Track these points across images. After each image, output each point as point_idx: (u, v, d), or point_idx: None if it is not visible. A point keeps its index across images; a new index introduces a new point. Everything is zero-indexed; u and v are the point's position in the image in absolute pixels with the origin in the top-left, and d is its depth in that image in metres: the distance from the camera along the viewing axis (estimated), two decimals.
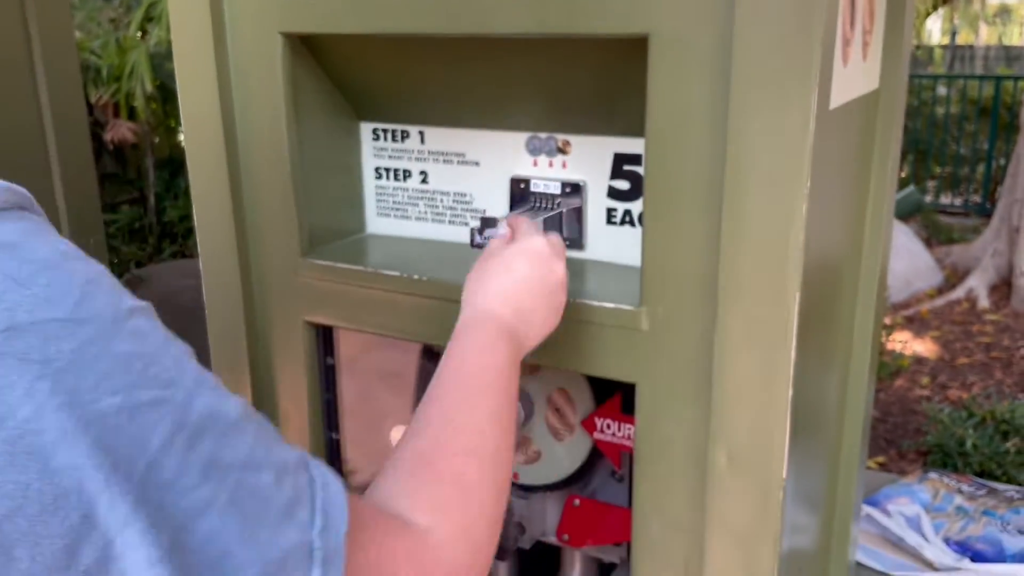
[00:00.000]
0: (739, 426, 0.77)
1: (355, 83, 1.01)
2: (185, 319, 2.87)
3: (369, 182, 1.08)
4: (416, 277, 0.92)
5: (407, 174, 1.05)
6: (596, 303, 0.82)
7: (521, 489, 1.05)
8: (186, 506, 0.40)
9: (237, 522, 0.41)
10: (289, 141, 0.96)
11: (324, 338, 1.05)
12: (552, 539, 1.06)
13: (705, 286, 0.76)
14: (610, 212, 0.94)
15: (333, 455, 1.10)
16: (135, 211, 5.11)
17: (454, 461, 0.60)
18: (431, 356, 1.05)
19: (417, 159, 1.04)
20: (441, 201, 1.04)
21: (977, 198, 6.96)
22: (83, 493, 0.37)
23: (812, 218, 0.72)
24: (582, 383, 0.99)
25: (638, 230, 0.92)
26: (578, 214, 0.95)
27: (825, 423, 1.14)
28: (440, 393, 0.66)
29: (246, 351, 1.05)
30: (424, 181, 1.04)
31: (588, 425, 0.97)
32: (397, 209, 1.07)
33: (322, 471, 0.49)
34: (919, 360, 3.30)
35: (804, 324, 0.76)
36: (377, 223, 1.09)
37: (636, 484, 0.85)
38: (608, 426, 0.96)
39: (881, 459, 2.61)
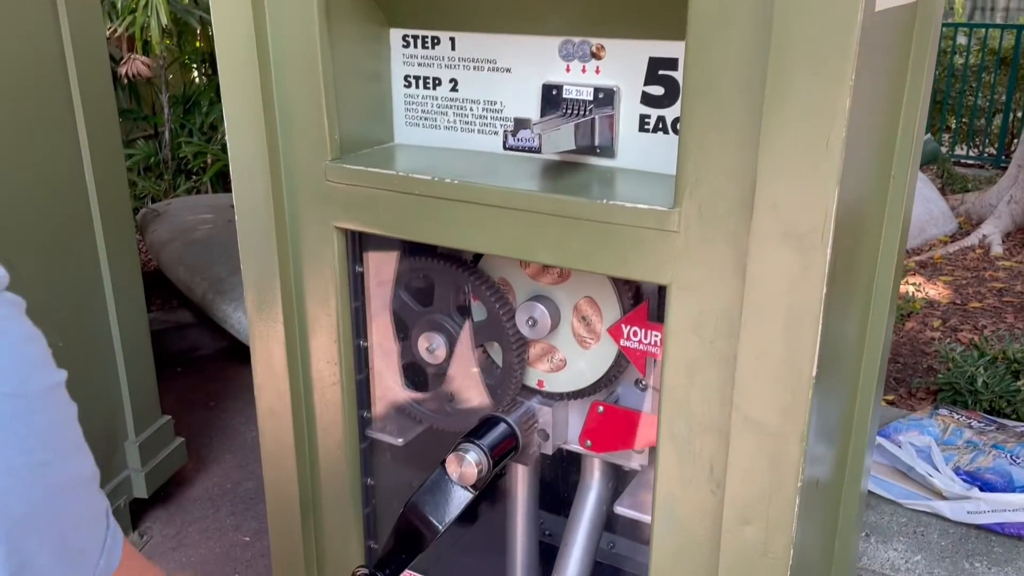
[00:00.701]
0: (771, 324, 0.78)
1: None
2: (199, 252, 2.92)
3: (398, 90, 1.07)
4: (448, 180, 0.92)
5: (437, 82, 1.04)
6: (629, 204, 0.83)
7: (545, 396, 1.06)
8: (32, 547, 0.45)
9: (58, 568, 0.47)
10: (321, 45, 0.95)
11: (353, 245, 1.06)
12: (574, 446, 1.08)
13: (741, 187, 0.76)
14: (643, 119, 0.93)
15: (361, 363, 1.11)
16: (150, 147, 5.08)
17: None
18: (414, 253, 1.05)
19: (447, 66, 1.03)
20: (471, 109, 1.03)
21: (992, 150, 6.89)
22: None
23: (850, 128, 0.72)
24: (609, 292, 1.00)
25: (671, 138, 0.92)
26: (610, 121, 0.94)
27: (844, 357, 1.15)
28: None
29: (276, 258, 1.06)
30: (454, 89, 1.04)
31: (615, 332, 0.98)
32: (426, 118, 1.07)
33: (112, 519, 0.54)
34: (931, 304, 3.30)
35: (838, 251, 0.77)
36: (406, 133, 1.09)
37: (664, 385, 0.86)
38: (635, 333, 0.97)
39: (891, 397, 2.63)
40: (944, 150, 6.71)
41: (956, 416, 2.19)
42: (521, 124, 0.86)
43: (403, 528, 0.97)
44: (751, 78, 0.73)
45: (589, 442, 1.04)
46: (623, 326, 0.97)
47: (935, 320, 3.18)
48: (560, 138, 0.89)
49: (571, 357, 1.04)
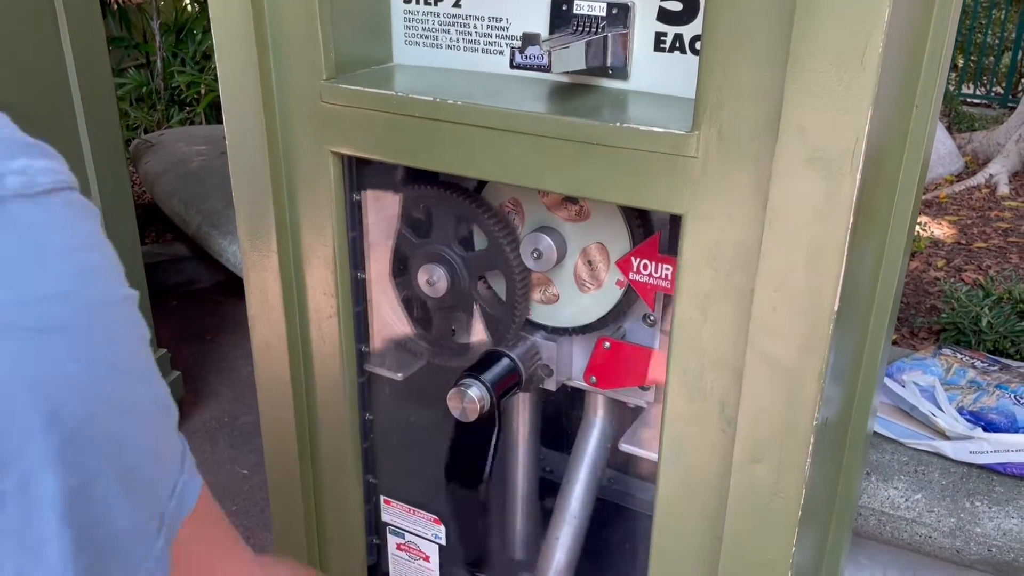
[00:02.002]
0: (792, 255, 0.74)
1: None
2: (193, 184, 2.85)
3: (397, 6, 1.01)
4: (451, 102, 0.86)
5: None
6: (644, 127, 0.78)
7: (550, 331, 1.03)
8: (92, 465, 0.40)
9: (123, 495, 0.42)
10: None
11: (350, 172, 1.01)
12: (579, 382, 1.04)
13: (766, 109, 0.71)
14: (659, 37, 0.87)
15: (359, 295, 1.07)
16: (142, 76, 4.96)
17: None
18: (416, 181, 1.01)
19: None
20: (475, 27, 0.97)
21: (1000, 89, 6.76)
22: (16, 425, 0.37)
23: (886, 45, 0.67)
24: (622, 230, 0.95)
25: (689, 57, 0.86)
26: (623, 40, 0.89)
27: (859, 296, 1.11)
28: None
29: (269, 185, 1.01)
30: (456, 5, 0.97)
31: (624, 265, 0.94)
32: (427, 36, 1.01)
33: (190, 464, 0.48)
34: (935, 243, 3.26)
35: (866, 180, 0.72)
36: (405, 52, 1.03)
37: (675, 320, 0.83)
38: (644, 266, 0.93)
39: (893, 337, 2.61)
40: (952, 89, 6.58)
41: (960, 356, 2.17)
42: (530, 40, 0.80)
43: None
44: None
45: (594, 378, 1.01)
46: (633, 259, 0.93)
47: (939, 260, 3.14)
48: (570, 56, 0.84)
49: (565, 294, 1.00)
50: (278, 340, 1.09)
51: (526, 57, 0.80)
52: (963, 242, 3.35)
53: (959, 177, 4.25)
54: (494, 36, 0.97)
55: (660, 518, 0.91)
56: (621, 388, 1.01)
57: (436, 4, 0.99)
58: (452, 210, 1.00)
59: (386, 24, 1.02)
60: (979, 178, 4.09)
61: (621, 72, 0.90)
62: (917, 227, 3.30)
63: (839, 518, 1.37)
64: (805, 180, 0.71)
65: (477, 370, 0.96)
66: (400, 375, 1.10)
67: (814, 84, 0.68)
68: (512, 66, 0.81)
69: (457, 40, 0.99)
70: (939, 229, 3.45)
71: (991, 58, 6.85)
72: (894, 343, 2.66)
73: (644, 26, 0.88)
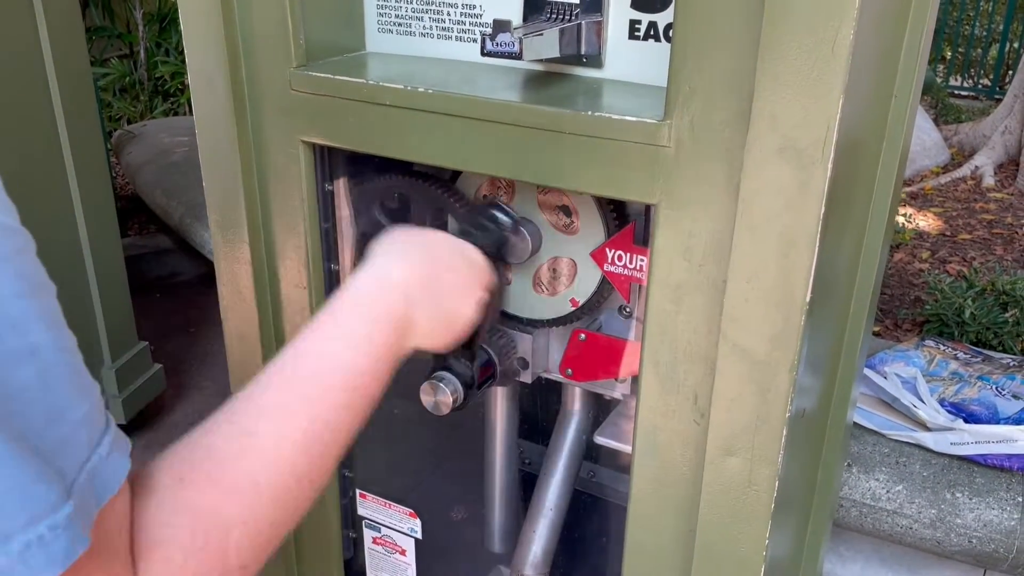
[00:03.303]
0: (763, 246, 0.73)
1: None
2: (175, 175, 2.82)
3: None
4: (421, 90, 0.85)
5: None
6: (616, 116, 0.76)
7: (525, 324, 1.02)
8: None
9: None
10: None
11: (322, 162, 1.00)
12: (555, 375, 1.04)
13: (738, 98, 0.70)
14: (633, 25, 0.86)
15: (332, 287, 1.06)
16: (124, 66, 4.91)
17: (250, 472, 0.53)
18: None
19: None
20: (448, 14, 0.96)
21: (987, 81, 6.77)
22: None
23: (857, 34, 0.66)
24: (596, 219, 0.94)
25: (664, 46, 0.85)
26: (598, 27, 0.87)
27: (836, 285, 1.11)
28: (282, 374, 0.59)
29: (240, 175, 1.00)
30: None
31: (598, 256, 0.93)
32: (399, 24, 0.99)
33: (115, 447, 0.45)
34: (920, 235, 3.26)
35: (839, 170, 0.71)
36: (378, 40, 1.01)
37: (648, 311, 0.82)
38: (619, 258, 0.92)
39: (877, 329, 2.61)
40: (939, 80, 6.59)
41: (942, 348, 2.17)
42: (501, 27, 0.79)
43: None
44: None
45: (570, 371, 1.00)
46: (607, 250, 0.92)
47: (924, 251, 3.14)
48: (543, 44, 0.83)
49: (518, 283, 0.98)
50: (251, 332, 1.08)
51: (497, 44, 0.79)
52: (948, 234, 3.36)
53: (945, 169, 4.26)
54: (468, 23, 0.95)
55: (635, 510, 0.90)
56: (597, 380, 1.00)
57: None
58: (427, 200, 0.99)
59: (358, 11, 1.01)
60: (964, 170, 4.10)
61: (596, 60, 0.89)
62: (902, 219, 3.30)
63: (819, 509, 1.37)
64: (776, 170, 0.70)
65: (448, 362, 0.95)
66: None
67: (785, 73, 0.67)
68: (483, 53, 0.80)
69: (430, 27, 0.98)
70: (924, 221, 3.46)
71: (979, 50, 6.87)
72: (877, 335, 2.66)
73: (618, 13, 0.87)
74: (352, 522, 1.21)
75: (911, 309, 2.71)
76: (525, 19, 0.91)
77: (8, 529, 0.37)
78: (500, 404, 1.17)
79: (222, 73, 0.95)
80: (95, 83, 2.60)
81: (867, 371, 1.92)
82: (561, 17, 0.88)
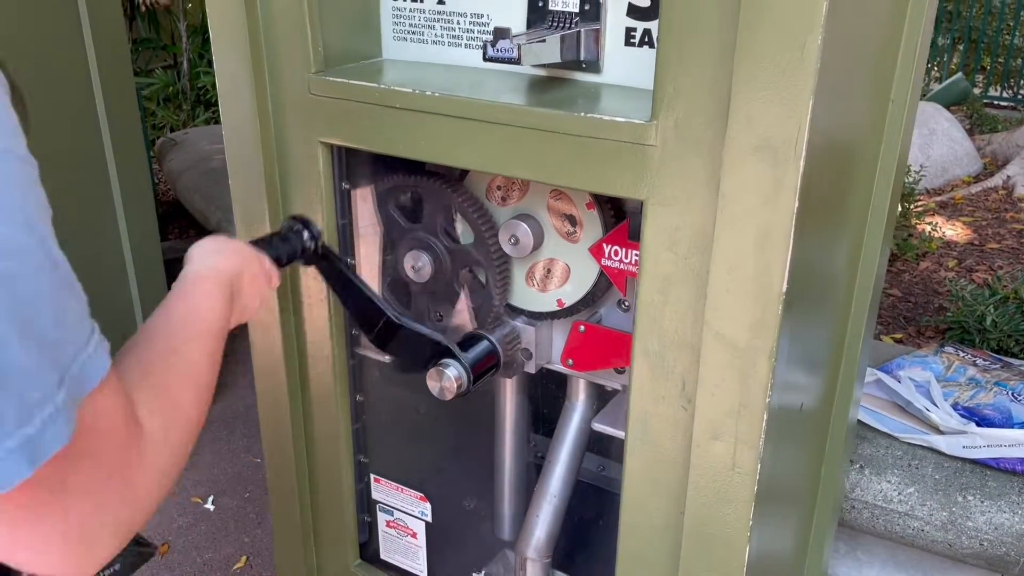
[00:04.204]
0: (742, 239, 0.77)
1: None
2: (214, 181, 2.91)
3: (386, 3, 1.06)
4: (429, 93, 0.91)
5: None
6: (607, 117, 0.82)
7: (528, 316, 1.07)
8: None
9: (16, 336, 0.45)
10: None
11: (340, 161, 1.06)
12: (558, 365, 1.08)
13: (718, 100, 0.75)
14: (629, 32, 0.91)
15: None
16: (168, 77, 5.07)
17: (177, 384, 0.64)
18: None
19: None
20: (458, 23, 1.02)
21: None
22: None
23: (832, 39, 0.70)
24: (598, 227, 0.99)
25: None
26: (596, 35, 0.93)
27: (833, 284, 1.14)
28: (168, 324, 0.71)
29: (263, 173, 1.06)
30: (440, 2, 1.02)
31: (596, 252, 0.98)
32: (413, 32, 1.05)
33: (99, 348, 0.52)
34: (948, 244, 3.25)
35: (815, 169, 0.76)
36: (393, 47, 1.08)
37: (639, 302, 0.86)
38: (616, 252, 0.97)
39: (899, 336, 2.61)
40: (977, 91, 6.52)
41: (962, 354, 2.18)
42: (501, 34, 0.85)
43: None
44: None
45: (571, 361, 1.05)
46: (604, 245, 0.97)
47: (951, 260, 3.13)
48: (543, 50, 0.88)
49: (570, 260, 1.03)
50: (272, 321, 1.15)
51: (498, 51, 0.85)
52: (976, 243, 3.34)
53: (977, 178, 4.23)
54: (476, 31, 1.01)
55: (628, 494, 0.95)
56: (596, 371, 1.05)
57: (422, 1, 1.03)
58: (436, 198, 1.04)
59: (375, 20, 1.07)
60: (996, 179, 4.06)
61: (594, 66, 0.94)
62: (929, 227, 3.29)
63: (823, 507, 1.40)
64: (753, 168, 0.75)
65: (451, 350, 1.00)
66: (388, 357, 1.14)
67: (758, 77, 0.72)
68: (485, 59, 0.86)
69: (442, 35, 1.04)
70: (952, 230, 3.44)
71: (1018, 60, 6.78)
72: (900, 341, 2.66)
73: (615, 21, 0.92)
74: (367, 506, 1.26)
75: (934, 317, 2.71)
76: (528, 27, 0.96)
77: (30, 404, 0.44)
78: (509, 395, 1.22)
79: (247, 77, 1.02)
80: (140, 93, 2.70)
81: (881, 375, 1.94)
82: (561, 25, 0.94)
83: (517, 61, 0.84)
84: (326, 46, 1.00)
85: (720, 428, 0.85)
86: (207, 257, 0.83)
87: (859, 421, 1.91)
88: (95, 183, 2.24)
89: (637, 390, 0.90)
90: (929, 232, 3.25)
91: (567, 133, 0.84)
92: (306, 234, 0.95)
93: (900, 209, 3.21)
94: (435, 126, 0.92)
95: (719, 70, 0.74)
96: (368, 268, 1.14)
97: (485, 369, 1.01)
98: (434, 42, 1.04)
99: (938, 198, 3.88)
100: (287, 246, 0.93)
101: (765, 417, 0.82)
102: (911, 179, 3.19)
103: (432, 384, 0.99)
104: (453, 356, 0.98)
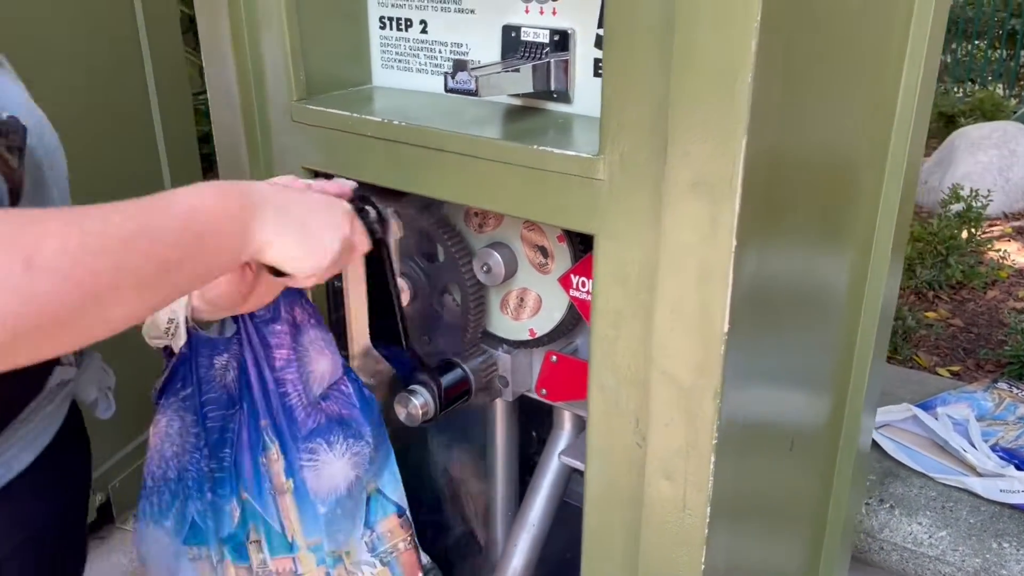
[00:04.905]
0: (684, 276, 0.76)
1: None
2: None
3: (374, 32, 1.08)
4: (396, 122, 0.92)
5: (408, 23, 1.04)
6: (557, 151, 0.81)
7: (506, 344, 1.06)
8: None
9: None
10: None
11: None
12: (534, 394, 1.08)
13: (660, 136, 0.74)
14: (597, 63, 0.91)
15: (335, 303, 1.14)
16: None
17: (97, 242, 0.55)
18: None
19: (417, 7, 1.03)
20: (439, 51, 1.03)
21: None
22: None
23: (770, 78, 0.68)
24: (563, 304, 0.99)
25: None
26: (565, 65, 0.92)
27: (829, 309, 1.11)
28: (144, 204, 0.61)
29: None
30: (424, 31, 1.03)
31: (564, 282, 0.97)
32: (400, 60, 1.07)
33: None
34: (1020, 272, 3.09)
35: (764, 187, 0.74)
36: (382, 75, 1.09)
37: (592, 337, 0.85)
38: (583, 284, 0.96)
39: (956, 368, 2.50)
40: None
41: (1015, 391, 2.07)
42: (460, 66, 0.85)
43: None
44: (665, 19, 0.70)
45: (544, 391, 1.04)
46: (572, 276, 0.96)
47: (1021, 291, 2.98)
48: (502, 81, 0.88)
49: (542, 291, 1.02)
50: None
51: (457, 82, 0.85)
52: None
53: None
54: (455, 60, 1.02)
55: (589, 526, 0.94)
56: (569, 401, 1.04)
57: (406, 30, 1.05)
58: (415, 225, 1.05)
59: (364, 48, 1.09)
60: None
61: (565, 96, 0.94)
62: (998, 255, 3.14)
63: (832, 537, 1.35)
64: (691, 204, 0.73)
65: (426, 376, 1.01)
66: (373, 380, 1.15)
67: (694, 114, 0.70)
68: (446, 90, 0.86)
69: (425, 64, 1.05)
70: None
71: None
72: (957, 375, 2.55)
73: (584, 52, 0.92)
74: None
75: (995, 350, 2.58)
76: (503, 57, 0.97)
77: None
78: (500, 421, 1.22)
79: (236, 102, 1.05)
80: (194, 94, 2.79)
81: (917, 411, 1.85)
82: (532, 56, 0.93)
83: (475, 93, 0.85)
84: (312, 73, 1.02)
85: (671, 468, 0.83)
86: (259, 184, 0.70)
87: (892, 458, 1.83)
88: (148, 182, 2.33)
89: (594, 425, 0.89)
90: (998, 260, 3.10)
91: (521, 165, 0.84)
92: (372, 213, 0.85)
93: (966, 235, 3.07)
94: (400, 154, 0.93)
95: (659, 107, 0.73)
96: (357, 293, 1.15)
97: (454, 396, 1.01)
98: (419, 70, 1.06)
99: (1016, 223, 3.69)
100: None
101: (713, 459, 0.80)
102: (979, 203, 3.05)
103: (399, 410, 1.00)
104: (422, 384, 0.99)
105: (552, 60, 0.92)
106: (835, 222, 1.04)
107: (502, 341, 1.07)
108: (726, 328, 0.75)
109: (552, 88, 0.93)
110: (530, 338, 1.02)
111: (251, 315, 0.89)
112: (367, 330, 1.00)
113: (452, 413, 1.08)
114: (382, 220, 0.87)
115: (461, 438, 1.35)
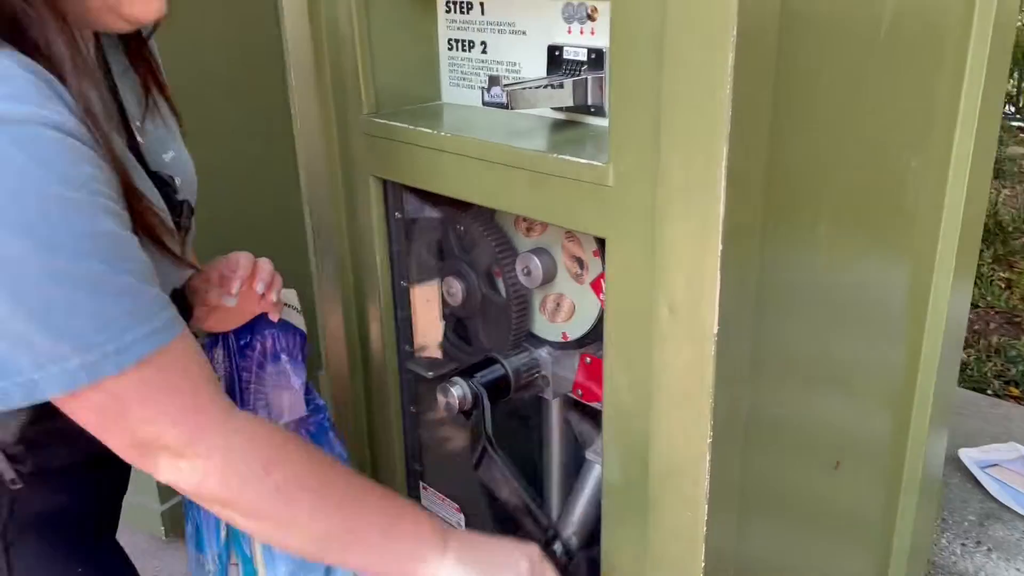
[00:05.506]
0: (678, 279, 0.79)
1: None
2: None
3: (444, 53, 1.17)
4: (442, 134, 1.01)
5: (471, 45, 1.13)
6: (572, 159, 0.87)
7: (550, 346, 1.12)
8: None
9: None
10: (355, 8, 1.07)
11: (393, 193, 1.17)
12: (572, 395, 1.13)
13: (657, 145, 0.78)
14: None
15: (402, 301, 1.23)
16: None
17: (294, 494, 0.80)
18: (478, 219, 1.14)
19: (478, 30, 1.11)
20: (496, 69, 1.11)
21: None
22: None
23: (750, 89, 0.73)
24: (596, 311, 1.04)
25: None
26: (600, 82, 0.98)
27: (881, 320, 1.10)
28: (366, 497, 0.86)
29: (330, 201, 1.21)
30: (484, 51, 1.12)
31: (596, 286, 1.02)
32: (464, 78, 1.16)
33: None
34: None
35: (761, 193, 0.77)
36: (450, 92, 1.18)
37: (605, 337, 0.90)
38: None
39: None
40: None
41: None
42: (494, 82, 0.93)
43: None
44: (657, 39, 0.75)
45: (580, 392, 1.09)
46: (602, 280, 1.01)
47: None
48: (534, 96, 0.95)
49: (576, 298, 1.08)
50: (340, 336, 1.29)
51: (491, 96, 0.93)
52: None
53: None
54: (511, 78, 1.09)
55: (607, 520, 0.98)
56: (600, 402, 1.08)
57: (470, 51, 1.13)
58: (467, 229, 1.13)
59: (435, 67, 1.18)
60: None
61: (601, 110, 0.99)
62: None
63: (898, 566, 1.32)
64: (681, 209, 0.77)
65: (469, 371, 1.08)
66: (431, 374, 1.24)
67: (680, 124, 0.74)
68: (483, 104, 0.94)
69: (486, 81, 1.13)
70: None
71: None
72: None
73: None
74: None
75: None
76: (548, 73, 1.03)
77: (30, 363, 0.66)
78: (555, 417, 1.27)
79: (317, 115, 1.17)
80: None
81: (1018, 445, 1.74)
82: (574, 72, 1.00)
83: (506, 107, 0.92)
84: (381, 91, 1.12)
85: (672, 463, 0.86)
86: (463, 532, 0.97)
87: (996, 500, 1.74)
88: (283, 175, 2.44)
89: (609, 421, 0.93)
90: None
91: (540, 171, 0.90)
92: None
93: None
94: (446, 163, 1.01)
95: (656, 118, 0.77)
96: (423, 292, 1.24)
97: (491, 392, 1.08)
98: (481, 87, 1.14)
99: None
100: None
101: (709, 456, 0.83)
102: None
103: (440, 398, 1.07)
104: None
105: (588, 77, 0.98)
106: (877, 229, 1.03)
107: (545, 343, 1.12)
108: (715, 329, 0.78)
109: (589, 103, 0.99)
110: (563, 340, 1.08)
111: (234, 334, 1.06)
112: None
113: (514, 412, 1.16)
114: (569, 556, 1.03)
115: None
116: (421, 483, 1.33)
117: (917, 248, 1.11)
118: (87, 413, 0.72)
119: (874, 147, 0.98)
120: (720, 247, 0.75)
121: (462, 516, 1.28)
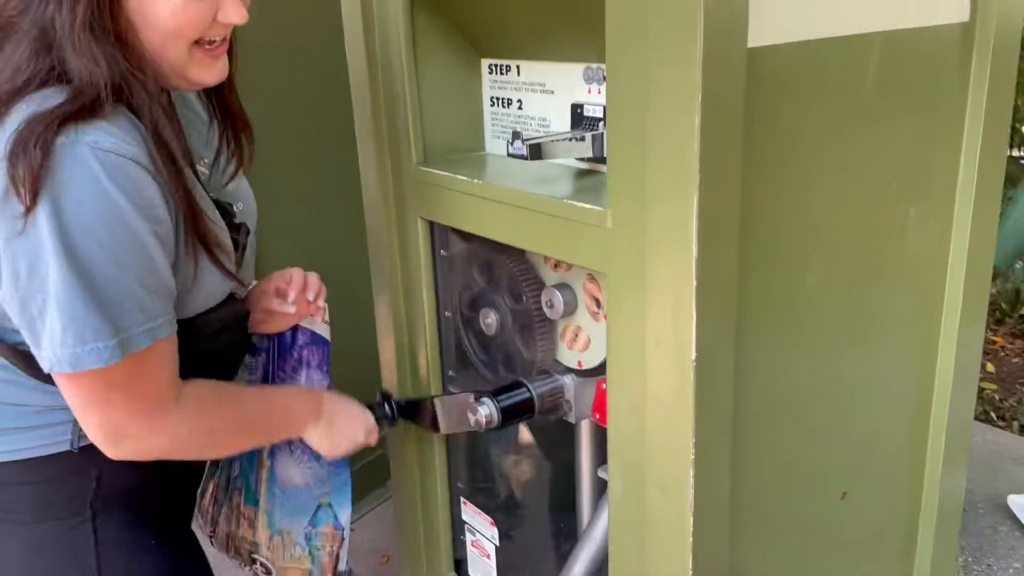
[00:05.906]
0: (662, 312, 0.90)
1: (474, 26, 1.24)
2: None
3: (487, 109, 1.31)
4: (473, 180, 1.14)
5: (509, 102, 1.27)
6: (577, 203, 0.99)
7: (571, 372, 1.23)
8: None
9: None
10: (407, 72, 1.22)
11: (440, 233, 1.31)
12: (592, 419, 1.23)
13: (644, 193, 0.90)
14: None
15: (445, 330, 1.36)
16: None
17: (221, 430, 1.06)
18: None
19: (515, 89, 1.25)
20: (530, 124, 1.24)
21: None
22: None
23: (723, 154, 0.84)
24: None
25: None
26: None
27: (900, 355, 1.17)
28: (259, 404, 1.15)
29: (384, 239, 1.36)
30: (520, 108, 1.25)
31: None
32: (503, 131, 1.29)
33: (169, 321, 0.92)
34: None
35: (738, 233, 0.87)
36: (493, 144, 1.32)
37: (608, 366, 1.00)
38: None
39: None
40: None
41: None
42: (516, 136, 1.06)
43: None
44: (642, 102, 0.87)
45: (598, 415, 1.19)
46: None
47: None
48: (555, 149, 1.07)
49: (593, 333, 1.19)
50: (392, 361, 1.43)
51: (514, 148, 1.06)
52: None
53: None
54: (542, 132, 1.22)
55: (614, 532, 1.07)
56: None
57: (508, 107, 1.27)
58: (498, 265, 1.26)
59: (479, 122, 1.33)
60: None
61: None
62: None
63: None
64: (662, 249, 0.88)
65: (497, 392, 1.20)
66: (471, 397, 1.36)
67: (660, 176, 0.86)
68: (508, 155, 1.07)
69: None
70: None
71: None
72: None
73: None
74: (461, 527, 1.48)
75: None
76: (572, 127, 1.16)
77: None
78: (585, 439, 1.37)
79: (376, 164, 1.33)
80: None
81: None
82: (592, 127, 1.12)
83: (526, 157, 1.05)
84: (430, 143, 1.27)
85: (662, 479, 0.96)
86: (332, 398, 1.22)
87: None
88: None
89: (613, 441, 1.03)
90: None
91: (555, 215, 1.02)
92: (386, 407, 1.31)
93: None
94: (476, 206, 1.14)
95: (643, 173, 0.89)
96: (464, 321, 1.37)
97: (518, 412, 1.19)
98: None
99: None
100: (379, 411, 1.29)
101: (692, 472, 0.92)
102: None
103: (470, 417, 1.19)
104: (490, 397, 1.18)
105: (604, 132, 1.10)
106: (875, 271, 1.11)
107: (569, 370, 1.23)
108: (694, 356, 0.88)
109: (605, 154, 1.10)
110: (578, 368, 1.18)
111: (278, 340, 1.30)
112: None
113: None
114: (392, 417, 1.31)
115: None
116: (462, 500, 1.45)
117: (923, 288, 1.17)
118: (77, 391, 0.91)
119: (866, 197, 1.06)
120: (695, 283, 0.86)
121: (495, 530, 1.39)
